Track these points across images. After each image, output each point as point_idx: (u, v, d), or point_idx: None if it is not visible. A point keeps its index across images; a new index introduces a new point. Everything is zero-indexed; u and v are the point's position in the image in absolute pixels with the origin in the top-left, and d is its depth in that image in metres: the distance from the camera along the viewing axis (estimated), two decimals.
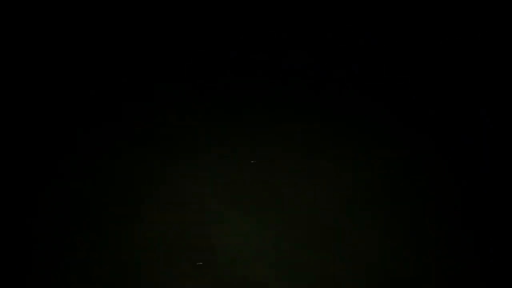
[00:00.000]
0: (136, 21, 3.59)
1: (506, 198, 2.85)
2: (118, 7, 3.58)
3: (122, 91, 3.37)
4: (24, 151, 3.05)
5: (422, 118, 3.22)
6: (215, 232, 2.81)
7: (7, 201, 2.84)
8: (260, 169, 3.06)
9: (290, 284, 2.62)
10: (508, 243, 2.69)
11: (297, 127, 3.24)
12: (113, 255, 2.70)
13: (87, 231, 2.78)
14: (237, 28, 3.61)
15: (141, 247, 2.73)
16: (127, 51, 3.53)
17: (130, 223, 2.81)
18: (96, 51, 3.50)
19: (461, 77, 3.38)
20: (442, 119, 3.22)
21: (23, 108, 3.21)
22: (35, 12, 3.52)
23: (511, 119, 3.16)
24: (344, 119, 3.27)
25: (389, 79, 3.44)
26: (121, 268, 2.66)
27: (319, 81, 3.42)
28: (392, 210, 2.87)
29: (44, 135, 3.15)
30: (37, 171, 3.00)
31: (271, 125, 3.24)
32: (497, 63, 3.38)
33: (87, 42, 3.50)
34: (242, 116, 3.29)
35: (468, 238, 2.75)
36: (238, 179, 3.01)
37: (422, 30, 3.53)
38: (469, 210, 2.84)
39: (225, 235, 2.79)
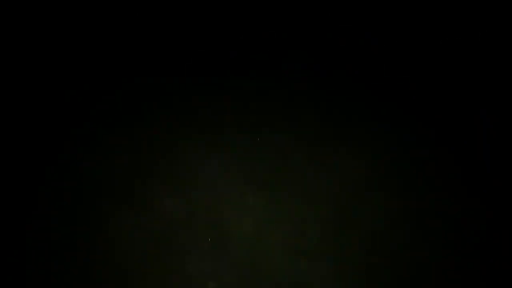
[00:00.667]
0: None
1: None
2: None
3: (128, 66, 3.34)
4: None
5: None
6: (227, 213, 2.82)
7: None
8: (273, 150, 3.04)
9: (306, 264, 2.63)
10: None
11: (310, 113, 3.21)
12: (119, 236, 2.72)
13: (93, 212, 2.80)
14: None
15: (148, 229, 2.75)
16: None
17: (137, 206, 2.82)
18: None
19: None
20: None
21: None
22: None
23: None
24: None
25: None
26: (128, 248, 2.69)
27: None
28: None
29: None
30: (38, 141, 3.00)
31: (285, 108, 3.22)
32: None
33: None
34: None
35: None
36: (250, 160, 3.01)
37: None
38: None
39: (236, 216, 2.81)
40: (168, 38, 3.54)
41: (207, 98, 3.22)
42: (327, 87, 3.37)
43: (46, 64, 3.29)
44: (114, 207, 2.80)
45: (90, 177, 2.89)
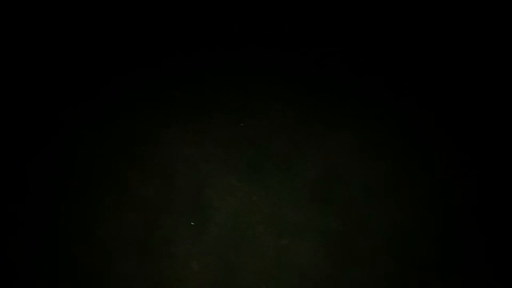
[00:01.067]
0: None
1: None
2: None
3: (109, 59, 3.38)
4: None
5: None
6: (208, 193, 2.84)
7: None
8: (253, 133, 3.08)
9: (287, 241, 2.66)
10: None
11: (291, 98, 3.27)
12: (102, 218, 2.75)
13: (75, 197, 2.83)
14: None
15: (130, 211, 2.78)
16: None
17: (118, 188, 2.86)
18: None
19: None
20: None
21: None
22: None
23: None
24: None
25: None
26: (111, 232, 2.71)
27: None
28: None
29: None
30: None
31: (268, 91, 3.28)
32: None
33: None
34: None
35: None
36: (231, 142, 3.04)
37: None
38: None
39: (218, 197, 2.85)
40: (147, 32, 3.58)
41: (189, 87, 3.30)
42: (306, 72, 3.43)
43: (25, 59, 3.35)
44: (98, 192, 2.85)
45: (72, 165, 2.95)
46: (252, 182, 2.94)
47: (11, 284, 2.60)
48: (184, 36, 3.45)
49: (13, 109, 3.11)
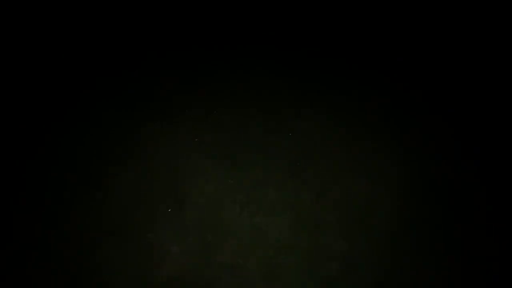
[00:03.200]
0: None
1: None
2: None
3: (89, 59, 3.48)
4: None
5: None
6: (184, 180, 2.89)
7: None
8: (227, 120, 3.18)
9: (263, 219, 2.71)
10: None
11: (266, 81, 3.39)
12: (85, 210, 2.78)
13: (57, 189, 2.88)
14: None
15: (108, 201, 2.83)
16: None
17: (99, 179, 2.92)
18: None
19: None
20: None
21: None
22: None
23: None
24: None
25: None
26: (90, 221, 2.77)
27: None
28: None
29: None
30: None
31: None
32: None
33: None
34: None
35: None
36: (205, 130, 3.15)
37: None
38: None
39: (194, 183, 2.89)
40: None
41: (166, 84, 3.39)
42: (275, 59, 3.53)
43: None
44: (78, 183, 2.91)
45: (50, 159, 3.01)
46: (227, 167, 3.01)
47: None
48: (158, 39, 3.57)
49: None
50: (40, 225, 2.77)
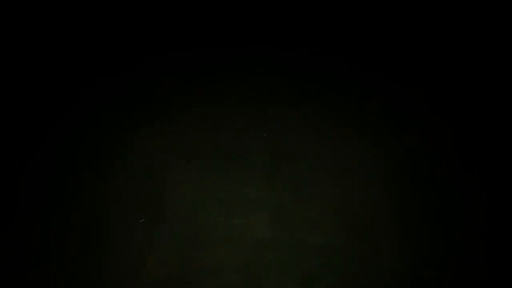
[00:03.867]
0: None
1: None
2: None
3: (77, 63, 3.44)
4: None
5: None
6: (161, 185, 2.86)
7: None
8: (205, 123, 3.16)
9: (241, 219, 2.68)
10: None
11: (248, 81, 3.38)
12: (85, 209, 2.77)
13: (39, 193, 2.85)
14: None
15: (85, 209, 2.79)
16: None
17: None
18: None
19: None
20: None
21: None
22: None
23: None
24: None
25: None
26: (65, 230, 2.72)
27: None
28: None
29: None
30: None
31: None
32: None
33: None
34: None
35: None
36: (183, 133, 3.12)
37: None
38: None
39: (171, 187, 2.86)
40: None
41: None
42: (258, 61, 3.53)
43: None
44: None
45: (31, 164, 2.99)
46: (204, 170, 2.97)
47: None
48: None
49: None
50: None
